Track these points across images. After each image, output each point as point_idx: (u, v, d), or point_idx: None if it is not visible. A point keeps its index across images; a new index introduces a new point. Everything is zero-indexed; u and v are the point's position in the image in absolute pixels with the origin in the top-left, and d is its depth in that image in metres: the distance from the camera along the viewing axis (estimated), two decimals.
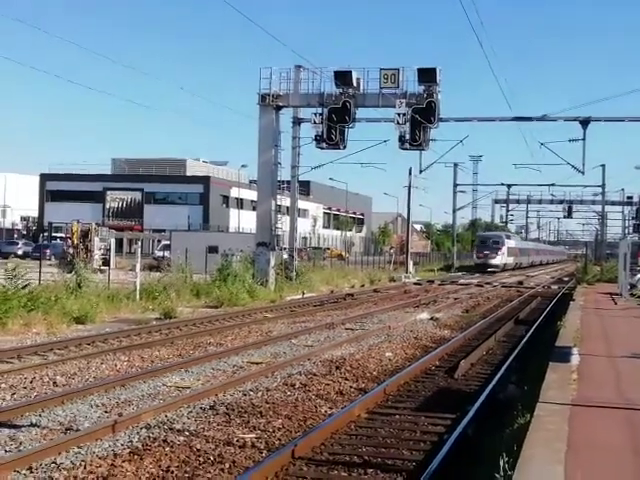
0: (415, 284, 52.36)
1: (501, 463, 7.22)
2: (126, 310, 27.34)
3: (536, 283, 56.76)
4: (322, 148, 41.07)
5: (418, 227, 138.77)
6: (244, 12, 53.48)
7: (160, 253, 61.08)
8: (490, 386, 14.22)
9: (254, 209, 53.70)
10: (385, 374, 16.46)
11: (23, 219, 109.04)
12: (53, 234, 74.89)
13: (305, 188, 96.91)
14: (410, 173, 66.64)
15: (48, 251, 55.11)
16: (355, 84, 39.53)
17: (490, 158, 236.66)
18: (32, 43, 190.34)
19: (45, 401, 12.56)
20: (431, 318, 28.39)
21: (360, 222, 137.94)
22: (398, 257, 75.08)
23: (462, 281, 57.54)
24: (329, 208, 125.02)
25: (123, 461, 9.53)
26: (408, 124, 39.13)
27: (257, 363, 17.39)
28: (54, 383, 14.48)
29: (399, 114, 38.76)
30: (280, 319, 27.39)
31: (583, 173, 44.57)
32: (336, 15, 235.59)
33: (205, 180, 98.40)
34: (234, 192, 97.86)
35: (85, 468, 9.22)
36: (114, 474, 9.01)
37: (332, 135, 40.12)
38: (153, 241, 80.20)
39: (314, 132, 40.81)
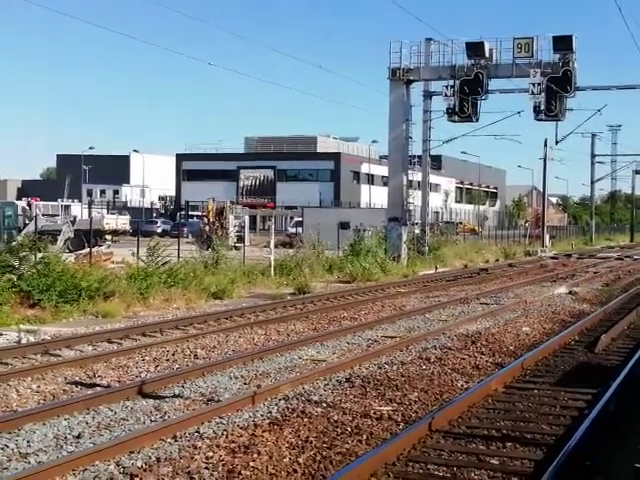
0: (552, 258, 51.19)
1: None
2: (261, 286, 27.86)
3: None
4: (454, 121, 40.61)
5: (554, 200, 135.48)
6: None
7: (293, 229, 61.92)
8: (633, 361, 13.75)
9: (385, 184, 53.66)
10: (522, 349, 16.17)
11: (161, 198, 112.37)
12: (189, 212, 77.00)
13: (437, 162, 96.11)
14: (546, 144, 65.12)
15: (185, 229, 56.94)
16: (487, 55, 38.90)
17: (630, 127, 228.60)
18: (181, 31, 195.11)
19: (187, 373, 12.95)
20: (569, 292, 27.70)
21: (493, 196, 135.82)
22: (533, 231, 73.60)
23: (601, 255, 55.90)
24: (461, 182, 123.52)
25: (263, 431, 9.72)
26: (543, 94, 38.25)
27: (391, 337, 17.40)
28: (195, 356, 14.91)
29: (534, 84, 37.94)
30: (413, 294, 27.31)
31: None
32: None
33: (336, 157, 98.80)
34: (365, 168, 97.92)
35: (227, 437, 9.45)
36: (255, 444, 9.19)
37: (464, 107, 39.58)
38: (285, 218, 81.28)
39: (445, 105, 40.49)
